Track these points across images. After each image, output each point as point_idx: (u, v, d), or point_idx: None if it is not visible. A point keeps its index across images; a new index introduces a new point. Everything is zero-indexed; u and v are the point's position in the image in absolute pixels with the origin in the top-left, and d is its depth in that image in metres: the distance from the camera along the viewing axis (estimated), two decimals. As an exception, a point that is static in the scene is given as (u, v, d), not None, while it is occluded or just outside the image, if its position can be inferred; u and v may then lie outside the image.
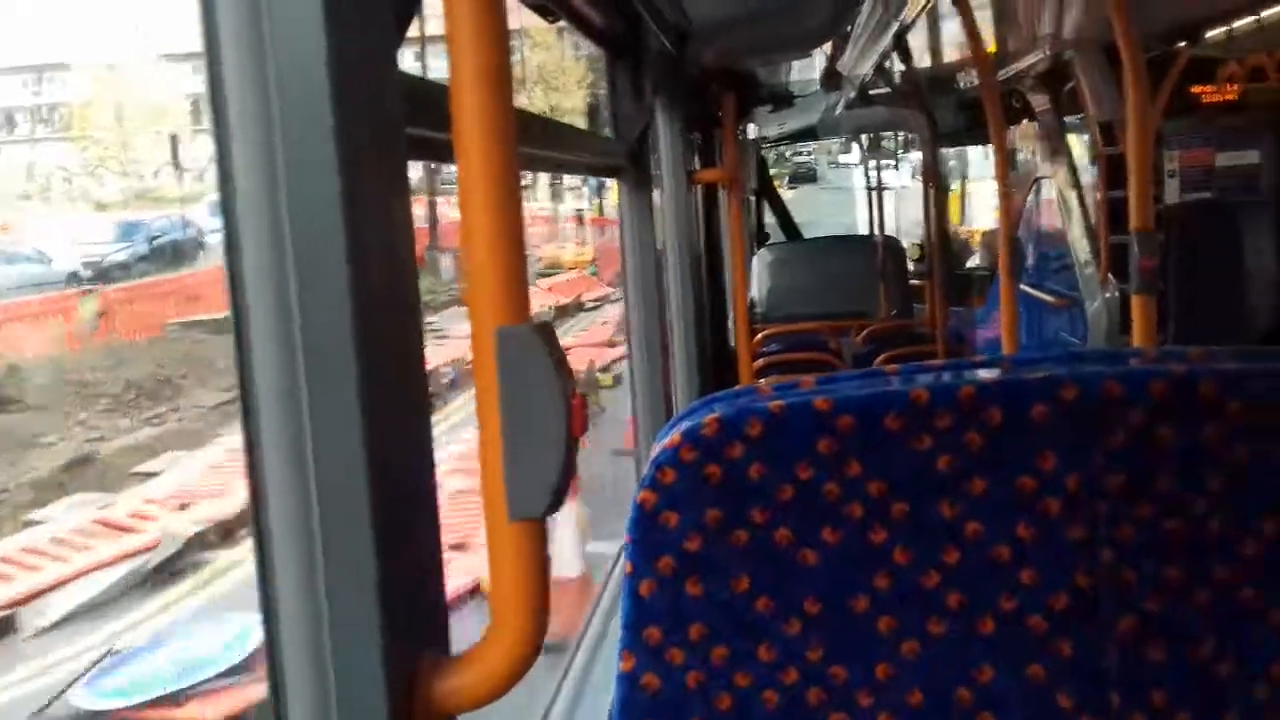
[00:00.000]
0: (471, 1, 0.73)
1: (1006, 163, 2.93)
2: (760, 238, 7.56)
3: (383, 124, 0.81)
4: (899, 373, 1.04)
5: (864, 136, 7.65)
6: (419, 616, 0.84)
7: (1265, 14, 3.73)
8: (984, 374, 1.01)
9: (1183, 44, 4.28)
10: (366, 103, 0.78)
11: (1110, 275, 4.79)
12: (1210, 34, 4.16)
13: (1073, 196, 5.18)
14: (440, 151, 0.77)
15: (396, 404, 0.81)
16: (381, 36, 0.81)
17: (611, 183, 2.57)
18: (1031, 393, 0.94)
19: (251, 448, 0.78)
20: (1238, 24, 3.98)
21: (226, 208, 0.77)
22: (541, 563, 0.79)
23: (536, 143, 1.63)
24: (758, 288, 5.90)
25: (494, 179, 0.75)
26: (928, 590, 0.95)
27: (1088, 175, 5.20)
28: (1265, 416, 0.93)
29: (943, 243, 5.16)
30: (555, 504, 0.76)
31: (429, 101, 0.92)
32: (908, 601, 0.95)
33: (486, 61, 0.74)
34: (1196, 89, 4.16)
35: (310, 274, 0.75)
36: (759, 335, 4.94)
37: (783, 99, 5.68)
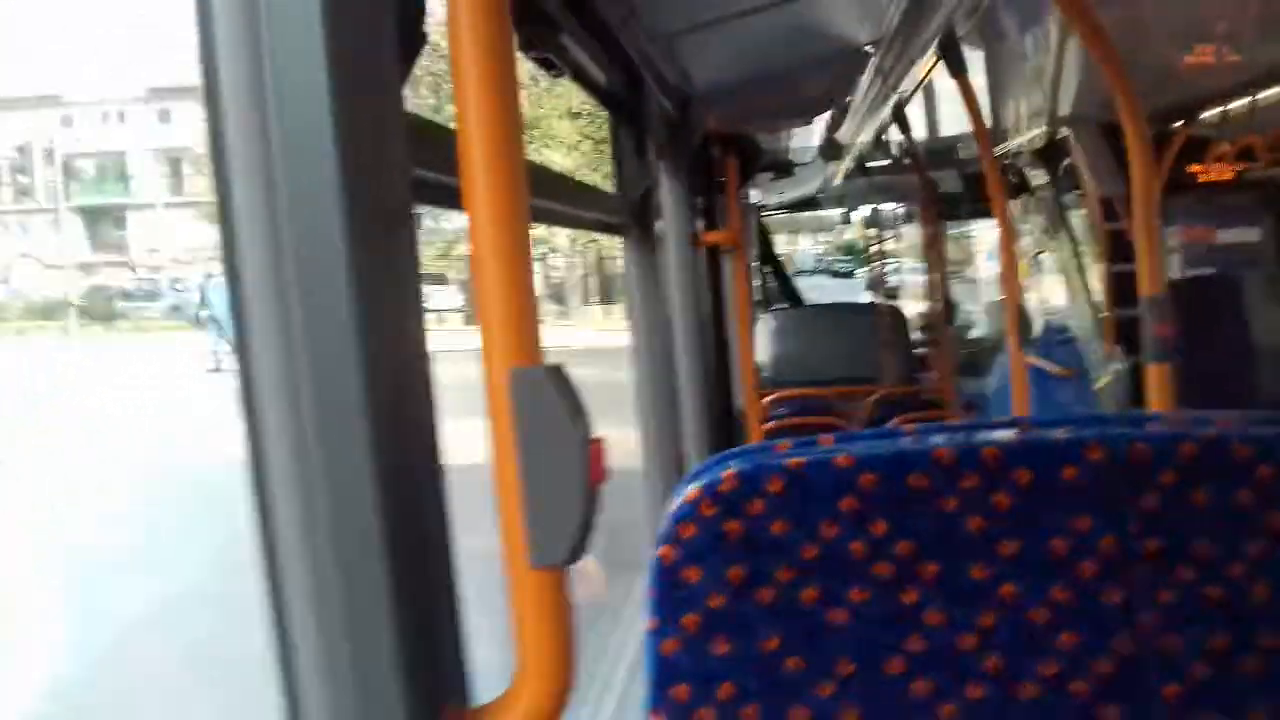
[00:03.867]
0: (479, 46, 0.72)
1: (1010, 235, 2.94)
2: (762, 303, 7.59)
3: (387, 164, 0.79)
4: (916, 433, 1.02)
5: (863, 210, 7.72)
6: (439, 668, 0.80)
7: (1261, 95, 3.77)
8: (1004, 435, 0.99)
9: (1179, 123, 4.34)
10: (370, 142, 0.76)
11: (1117, 347, 4.79)
12: (1205, 114, 4.21)
13: (1074, 271, 5.20)
14: (446, 196, 0.76)
15: (407, 451, 0.78)
16: (385, 74, 0.80)
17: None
18: (1058, 454, 0.92)
19: (262, 496, 0.75)
20: (1233, 105, 4.03)
21: (228, 251, 0.74)
22: (566, 610, 0.76)
23: (538, 193, 1.62)
24: (762, 352, 5.91)
25: (504, 224, 0.74)
26: (964, 653, 0.92)
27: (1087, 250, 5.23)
28: None
29: (947, 311, 5.17)
30: (577, 552, 0.74)
31: (436, 144, 0.91)
32: (944, 664, 0.92)
33: (495, 106, 0.73)
34: (1193, 168, 4.20)
35: (314, 320, 0.73)
36: (766, 399, 4.94)
37: (784, 166, 5.74)
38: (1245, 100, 3.92)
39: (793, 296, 7.46)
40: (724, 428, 3.87)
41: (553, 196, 1.68)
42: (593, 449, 0.73)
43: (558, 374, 0.73)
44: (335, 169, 0.72)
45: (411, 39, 0.92)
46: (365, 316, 0.73)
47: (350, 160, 0.73)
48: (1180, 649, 0.92)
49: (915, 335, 6.21)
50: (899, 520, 0.92)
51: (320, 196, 0.72)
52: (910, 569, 0.91)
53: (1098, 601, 0.92)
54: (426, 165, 0.92)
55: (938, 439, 0.96)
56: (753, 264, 6.57)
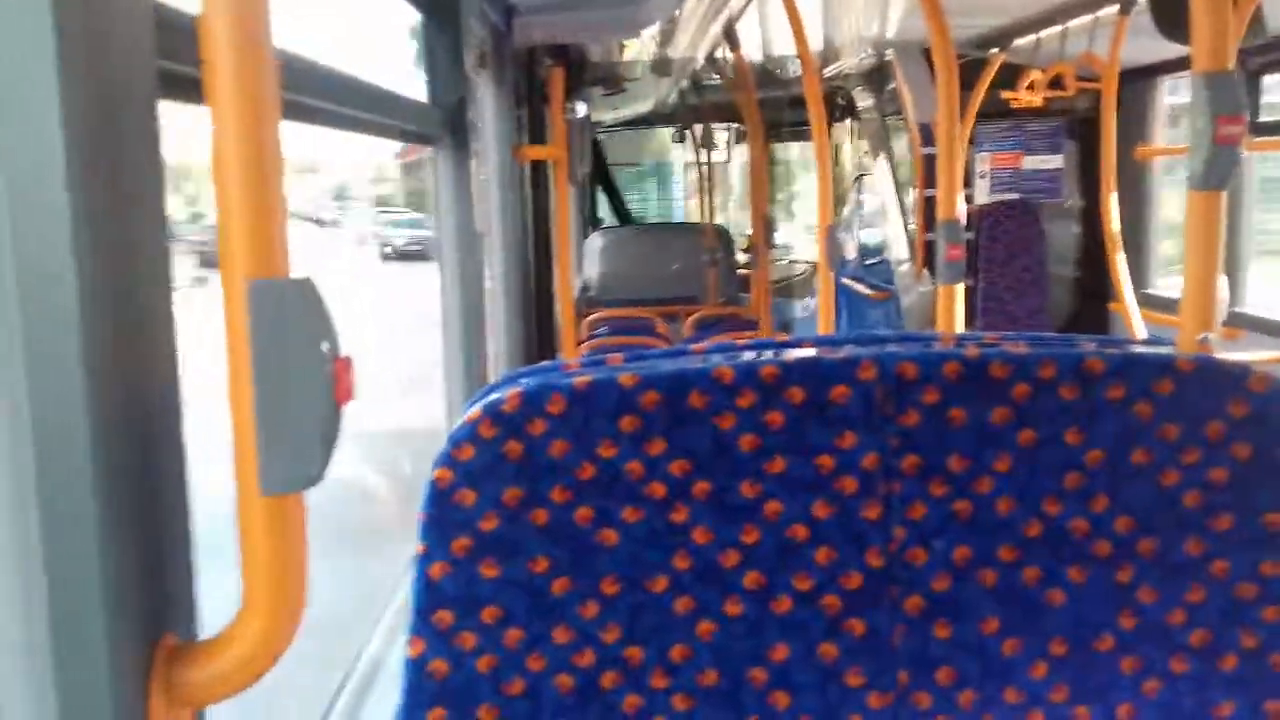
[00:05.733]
0: None
1: (827, 158, 2.99)
2: (594, 221, 7.55)
3: (122, 54, 0.72)
4: (707, 351, 1.02)
5: (697, 128, 7.73)
6: (158, 593, 0.75)
7: (1071, 23, 3.92)
8: (788, 354, 1.00)
9: (995, 50, 4.49)
10: (103, 32, 0.69)
11: (925, 269, 4.99)
12: (1019, 41, 4.36)
13: (891, 194, 5.37)
14: (196, 90, 0.69)
15: (131, 366, 0.72)
16: None
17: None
18: (832, 373, 0.94)
19: None
20: (1044, 33, 4.18)
21: None
22: (299, 540, 0.72)
23: (334, 98, 1.54)
24: (590, 271, 5.91)
25: (248, 119, 0.67)
26: (726, 570, 0.94)
27: (906, 173, 5.40)
28: (1049, 400, 0.96)
29: (767, 233, 5.26)
30: (315, 477, 0.70)
31: (185, 35, 0.84)
32: (706, 581, 0.94)
33: None
34: (1006, 94, 4.35)
35: (25, 236, 0.66)
36: (588, 318, 4.95)
37: (615, 81, 5.68)
38: (1056, 28, 4.07)
39: (623, 214, 7.47)
40: (546, 345, 3.86)
41: (348, 102, 1.60)
42: (339, 367, 0.68)
43: (304, 287, 0.68)
44: (52, 54, 0.65)
45: None
46: (90, 228, 0.67)
47: (74, 46, 0.66)
48: (925, 563, 0.96)
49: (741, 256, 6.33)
50: (677, 439, 0.93)
51: (34, 81, 0.65)
52: (683, 488, 0.93)
53: (855, 517, 0.95)
54: (175, 58, 0.85)
55: (720, 358, 0.97)
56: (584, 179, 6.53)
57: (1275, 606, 0.98)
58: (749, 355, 1.00)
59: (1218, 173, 1.06)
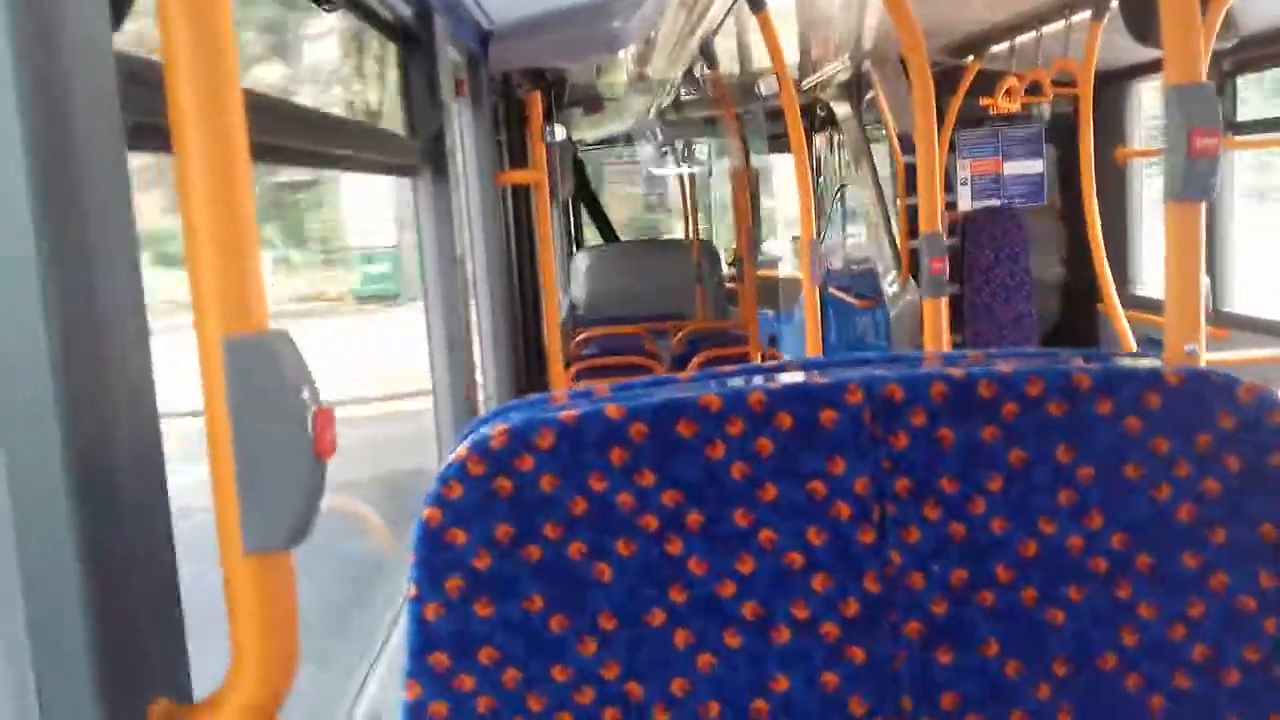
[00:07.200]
0: None
1: (806, 170, 2.99)
2: (578, 240, 7.56)
3: (94, 112, 0.71)
4: (693, 379, 1.02)
5: (678, 143, 7.75)
6: (149, 656, 0.73)
7: (1045, 29, 3.94)
8: (775, 380, 1.00)
9: (971, 58, 4.51)
10: (70, 89, 0.68)
11: (911, 278, 5.00)
12: (995, 48, 4.38)
13: (874, 203, 5.38)
14: (164, 139, 0.68)
15: (112, 418, 0.71)
16: (92, 13, 0.71)
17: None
18: (819, 398, 0.93)
19: None
20: (1020, 39, 4.20)
21: None
22: (287, 597, 0.70)
23: (314, 138, 1.53)
24: (577, 290, 5.91)
25: (217, 166, 0.65)
26: (724, 601, 0.93)
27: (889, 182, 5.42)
28: (1038, 418, 0.95)
29: (752, 247, 5.27)
30: (298, 535, 0.68)
31: (151, 85, 0.83)
32: (704, 613, 0.93)
33: (203, 33, 0.65)
34: (985, 101, 4.37)
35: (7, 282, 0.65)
36: (577, 338, 4.94)
37: (594, 101, 5.69)
38: (1031, 34, 4.09)
39: (608, 232, 7.48)
40: (535, 367, 3.85)
41: (327, 141, 1.59)
42: (320, 420, 0.67)
43: (281, 340, 0.67)
44: (18, 117, 0.64)
45: None
46: (62, 283, 0.66)
47: (40, 108, 0.65)
48: (923, 586, 0.95)
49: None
50: (667, 470, 0.92)
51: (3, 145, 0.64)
52: (676, 519, 0.92)
53: (851, 543, 0.94)
54: (142, 110, 0.83)
55: (708, 387, 0.96)
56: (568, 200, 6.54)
57: (1276, 618, 0.97)
58: (736, 382, 1.00)
59: (1195, 184, 1.05)
